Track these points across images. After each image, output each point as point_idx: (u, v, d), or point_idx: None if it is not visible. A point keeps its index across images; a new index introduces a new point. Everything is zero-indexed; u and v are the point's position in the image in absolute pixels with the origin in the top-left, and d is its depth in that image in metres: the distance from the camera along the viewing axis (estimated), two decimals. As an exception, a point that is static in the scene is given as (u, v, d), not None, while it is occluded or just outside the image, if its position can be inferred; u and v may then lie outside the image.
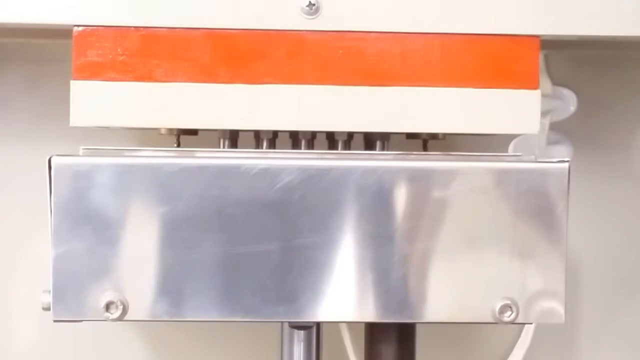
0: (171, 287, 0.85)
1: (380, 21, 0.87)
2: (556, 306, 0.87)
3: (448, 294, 0.87)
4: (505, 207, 0.86)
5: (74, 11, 0.86)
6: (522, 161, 0.88)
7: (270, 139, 0.94)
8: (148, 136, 1.11)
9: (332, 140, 0.96)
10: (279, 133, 0.95)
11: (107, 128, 0.92)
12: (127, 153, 0.87)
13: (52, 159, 0.84)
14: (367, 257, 0.86)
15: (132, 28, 0.87)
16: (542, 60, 0.92)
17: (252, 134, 0.95)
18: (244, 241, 0.85)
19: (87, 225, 0.84)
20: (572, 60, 1.15)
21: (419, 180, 0.86)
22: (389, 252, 0.86)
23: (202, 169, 0.85)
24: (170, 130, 0.94)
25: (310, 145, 0.94)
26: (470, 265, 0.86)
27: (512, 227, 0.86)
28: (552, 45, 0.92)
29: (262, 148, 0.94)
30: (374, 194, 0.86)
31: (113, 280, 0.84)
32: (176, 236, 0.85)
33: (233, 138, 0.94)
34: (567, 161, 0.87)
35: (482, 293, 0.86)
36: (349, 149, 0.95)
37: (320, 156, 0.89)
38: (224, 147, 0.94)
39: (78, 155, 0.86)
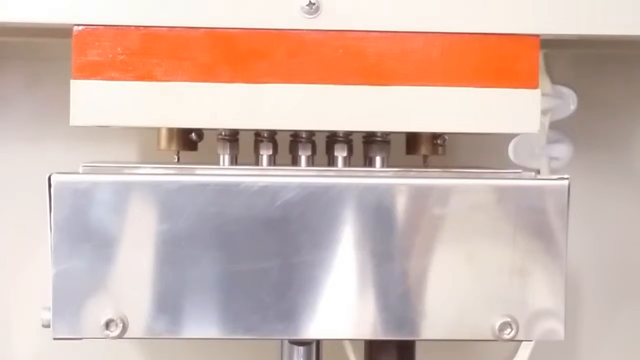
0: (171, 305, 0.85)
1: (380, 21, 0.87)
2: (556, 323, 0.87)
3: (447, 311, 0.87)
4: (504, 224, 0.86)
5: (74, 10, 0.86)
6: (521, 178, 0.89)
7: (270, 155, 0.94)
8: (147, 151, 1.12)
9: (331, 156, 0.96)
10: (279, 145, 0.95)
11: (107, 127, 0.92)
12: (126, 170, 0.88)
13: (52, 177, 0.84)
14: (366, 274, 0.86)
15: (132, 27, 0.87)
16: (541, 60, 0.92)
17: (252, 150, 0.95)
18: (244, 259, 0.85)
19: (87, 243, 0.84)
20: (572, 60, 1.15)
21: (419, 197, 0.86)
22: (388, 269, 0.86)
23: (202, 186, 0.85)
24: (170, 145, 0.95)
25: (310, 161, 0.95)
26: (469, 282, 0.87)
27: (511, 244, 0.87)
28: (552, 45, 0.92)
29: (261, 164, 0.94)
30: (374, 211, 0.86)
31: (113, 298, 0.85)
32: (176, 253, 0.85)
33: (233, 155, 0.94)
34: (567, 178, 0.87)
35: (481, 310, 0.87)
36: (349, 165, 0.95)
37: (320, 173, 0.89)
38: (224, 163, 0.95)
39: (78, 173, 0.86)
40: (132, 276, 0.85)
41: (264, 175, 0.86)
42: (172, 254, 0.85)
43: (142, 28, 0.87)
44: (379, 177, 0.88)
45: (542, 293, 0.87)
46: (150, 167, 0.90)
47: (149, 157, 1.12)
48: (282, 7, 0.87)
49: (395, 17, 0.87)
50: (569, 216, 0.87)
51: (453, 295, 0.87)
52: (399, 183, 0.87)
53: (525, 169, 1.15)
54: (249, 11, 0.87)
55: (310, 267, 0.86)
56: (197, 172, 0.88)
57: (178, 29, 0.87)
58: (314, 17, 0.87)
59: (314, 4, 0.87)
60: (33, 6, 0.86)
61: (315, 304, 0.86)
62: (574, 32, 0.89)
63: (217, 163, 0.95)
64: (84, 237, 0.84)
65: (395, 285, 0.86)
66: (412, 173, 0.91)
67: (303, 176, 0.87)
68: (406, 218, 0.86)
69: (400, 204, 0.86)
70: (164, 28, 0.87)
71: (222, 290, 0.85)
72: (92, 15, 0.86)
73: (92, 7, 0.86)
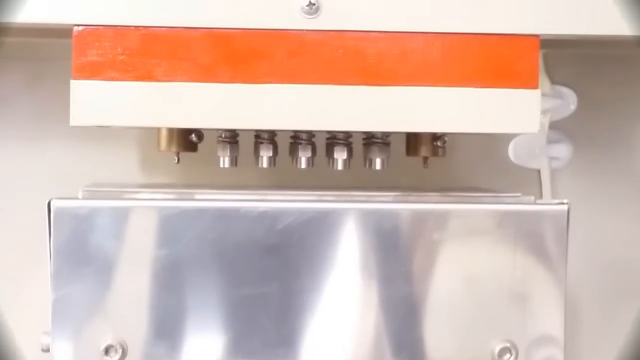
0: (170, 330, 0.85)
1: (380, 21, 0.87)
2: (555, 349, 0.88)
3: (447, 335, 0.87)
4: (504, 249, 0.87)
5: (74, 10, 0.86)
6: (520, 203, 0.89)
7: (270, 157, 0.95)
8: (147, 151, 1.12)
9: (331, 158, 0.96)
10: (279, 147, 0.95)
11: (107, 127, 0.93)
12: (126, 195, 0.88)
13: (52, 203, 0.85)
14: (366, 299, 0.87)
15: (132, 27, 0.87)
16: (541, 60, 0.92)
17: (252, 152, 0.95)
18: (244, 283, 0.86)
19: (86, 269, 0.85)
20: (572, 60, 1.15)
21: (418, 222, 0.87)
22: (387, 293, 0.87)
23: (201, 211, 0.85)
24: (170, 146, 0.95)
25: (310, 163, 0.95)
26: (469, 307, 0.87)
27: (511, 268, 0.87)
28: (552, 45, 0.92)
29: (261, 165, 0.94)
30: (373, 236, 0.86)
31: (112, 324, 0.85)
32: (175, 279, 0.85)
33: (233, 157, 0.94)
34: (566, 203, 0.87)
35: (481, 335, 0.87)
36: (349, 166, 0.96)
37: (319, 198, 0.89)
38: (224, 164, 0.95)
39: (77, 199, 0.86)
40: (132, 301, 0.85)
41: (264, 201, 0.86)
42: (171, 279, 0.85)
43: (142, 28, 0.87)
44: (379, 202, 0.88)
45: (542, 318, 0.88)
46: (150, 192, 0.91)
47: (149, 158, 1.12)
48: (282, 7, 0.87)
49: (395, 17, 0.87)
50: (568, 237, 0.87)
51: (453, 320, 0.87)
52: (398, 208, 0.87)
53: (525, 169, 1.16)
54: (249, 11, 0.87)
55: (309, 292, 0.86)
56: (197, 197, 0.89)
57: (178, 29, 0.87)
58: (314, 17, 0.87)
59: (314, 4, 0.87)
60: (33, 6, 0.86)
61: (315, 328, 0.86)
62: (574, 32, 0.89)
63: (217, 165, 0.95)
64: (84, 263, 0.85)
65: (395, 309, 0.87)
66: (411, 197, 0.92)
67: (302, 201, 0.87)
68: (406, 243, 0.87)
69: (400, 229, 0.87)
70: (164, 28, 0.87)
71: (222, 315, 0.86)
72: (92, 15, 0.86)
73: (92, 7, 0.86)
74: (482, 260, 0.87)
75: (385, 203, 0.88)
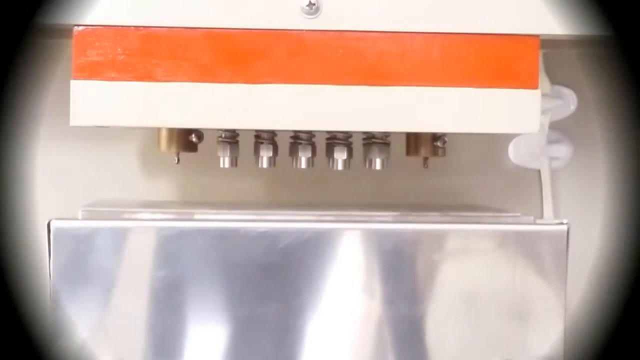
0: (169, 350, 0.86)
1: (380, 21, 0.87)
2: None
3: (447, 355, 0.88)
4: (503, 268, 0.87)
5: (74, 11, 0.86)
6: (520, 223, 0.89)
7: (270, 157, 0.95)
8: (147, 151, 1.11)
9: (331, 158, 0.96)
10: (279, 147, 0.95)
11: (107, 127, 0.93)
12: (126, 215, 0.88)
13: (51, 223, 0.85)
14: (365, 318, 0.87)
15: (132, 28, 0.87)
16: (540, 60, 0.92)
17: (252, 152, 0.95)
18: (243, 304, 0.86)
19: (86, 288, 0.85)
20: (572, 60, 1.15)
21: (418, 242, 0.87)
22: (387, 313, 0.87)
23: (201, 232, 0.86)
24: (170, 146, 0.95)
25: (310, 163, 0.95)
26: (469, 327, 0.87)
27: (510, 288, 0.87)
28: (552, 45, 0.92)
29: (261, 166, 0.94)
30: (373, 256, 0.87)
31: (111, 343, 0.85)
32: (175, 299, 0.85)
33: (233, 157, 0.94)
34: (566, 223, 0.87)
35: (480, 354, 0.87)
36: (349, 167, 0.96)
37: (319, 218, 0.90)
38: (224, 165, 0.95)
39: (77, 219, 0.86)
40: (131, 321, 0.85)
41: (263, 221, 0.86)
42: (171, 299, 0.85)
43: (142, 28, 0.87)
44: (378, 222, 0.89)
45: (542, 337, 0.88)
46: (150, 212, 0.91)
47: (149, 158, 1.12)
48: (282, 7, 0.87)
49: (395, 17, 0.87)
50: (568, 257, 0.88)
51: (452, 339, 0.88)
52: (398, 228, 0.87)
53: (525, 169, 1.16)
54: (248, 11, 0.87)
55: (309, 312, 0.86)
56: (196, 217, 0.89)
57: (178, 29, 0.87)
58: (314, 17, 0.87)
59: (314, 4, 0.87)
60: (33, 6, 0.86)
61: (314, 348, 0.86)
62: (574, 32, 0.89)
63: (217, 165, 0.95)
64: (83, 282, 0.85)
65: (395, 329, 0.87)
66: (411, 217, 0.92)
67: (302, 221, 0.87)
68: (405, 263, 0.87)
69: (400, 248, 0.87)
70: (163, 28, 0.87)
71: (221, 335, 0.86)
72: (92, 15, 0.86)
73: (92, 7, 0.86)
74: (482, 280, 0.87)
75: (385, 223, 0.88)
